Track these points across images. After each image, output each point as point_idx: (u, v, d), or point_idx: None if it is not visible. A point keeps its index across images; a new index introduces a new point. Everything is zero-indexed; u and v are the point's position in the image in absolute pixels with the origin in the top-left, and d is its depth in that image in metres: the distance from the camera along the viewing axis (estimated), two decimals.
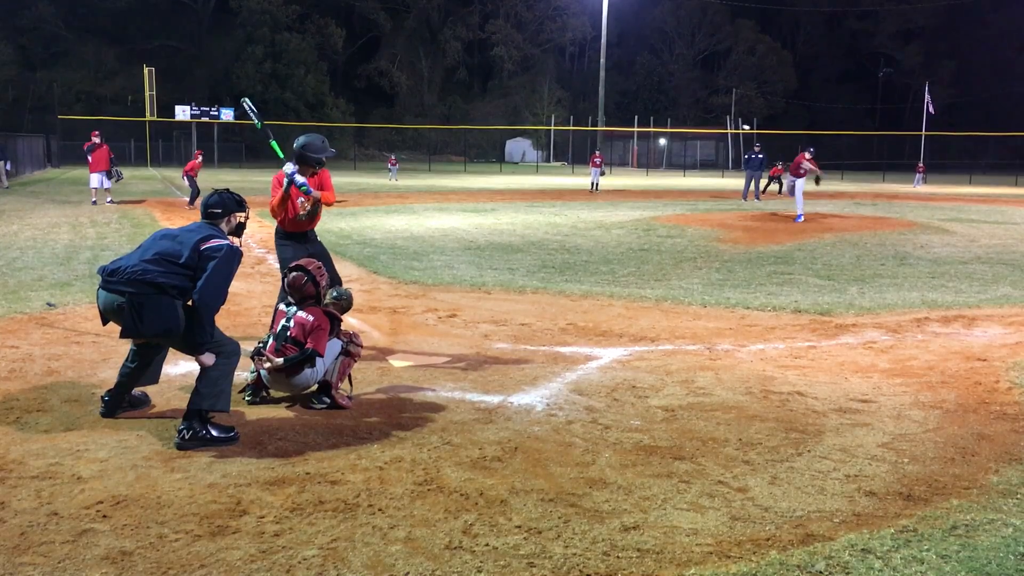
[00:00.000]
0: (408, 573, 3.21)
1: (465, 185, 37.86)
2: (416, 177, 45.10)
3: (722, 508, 3.86)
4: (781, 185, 31.58)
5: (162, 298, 4.57)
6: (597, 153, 37.58)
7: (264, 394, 5.53)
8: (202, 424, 4.61)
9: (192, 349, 4.71)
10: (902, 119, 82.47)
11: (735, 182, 39.85)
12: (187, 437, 4.56)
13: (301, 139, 6.55)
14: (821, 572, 3.22)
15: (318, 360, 5.30)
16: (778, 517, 3.77)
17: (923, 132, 62.60)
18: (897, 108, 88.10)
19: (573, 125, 74.08)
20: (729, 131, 78.37)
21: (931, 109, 60.90)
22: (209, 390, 4.66)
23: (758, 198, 28.99)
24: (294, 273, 5.50)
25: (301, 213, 6.41)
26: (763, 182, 29.89)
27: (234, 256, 4.74)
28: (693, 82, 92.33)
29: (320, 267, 5.59)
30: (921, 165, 51.03)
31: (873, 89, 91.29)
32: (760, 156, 30.06)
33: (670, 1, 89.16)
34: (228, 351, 4.79)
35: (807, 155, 21.09)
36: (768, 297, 9.66)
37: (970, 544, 3.47)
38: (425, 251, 13.59)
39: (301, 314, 5.37)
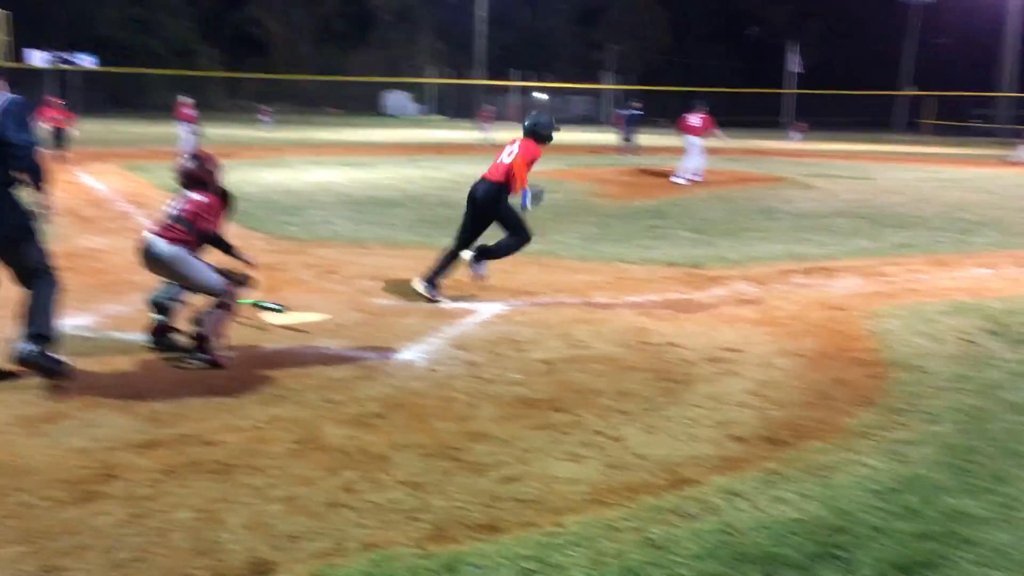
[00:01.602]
0: (288, 532, 3.18)
1: (343, 138, 37.08)
2: (292, 130, 43.86)
3: (599, 457, 3.97)
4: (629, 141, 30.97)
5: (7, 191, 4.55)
6: (485, 108, 37.09)
7: (167, 337, 5.40)
8: (42, 346, 4.58)
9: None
10: (772, 77, 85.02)
11: (613, 137, 40.40)
12: (27, 354, 4.53)
13: (533, 117, 7.51)
14: (693, 515, 3.36)
15: (205, 271, 5.14)
16: (652, 464, 3.90)
17: (793, 91, 64.90)
18: (767, 67, 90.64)
19: (453, 78, 73.36)
20: (606, 86, 79.25)
21: (799, 68, 63.08)
22: (42, 318, 4.63)
23: (635, 153, 29.51)
24: (182, 161, 5.45)
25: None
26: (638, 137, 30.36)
27: (13, 102, 4.58)
28: (572, 37, 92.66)
29: (212, 158, 5.50)
30: (797, 122, 53.08)
31: (744, 47, 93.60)
32: (638, 112, 30.56)
33: None
34: (56, 282, 4.77)
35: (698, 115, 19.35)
36: (643, 251, 9.89)
37: (829, 483, 3.68)
38: (302, 206, 13.29)
39: (195, 196, 5.21)
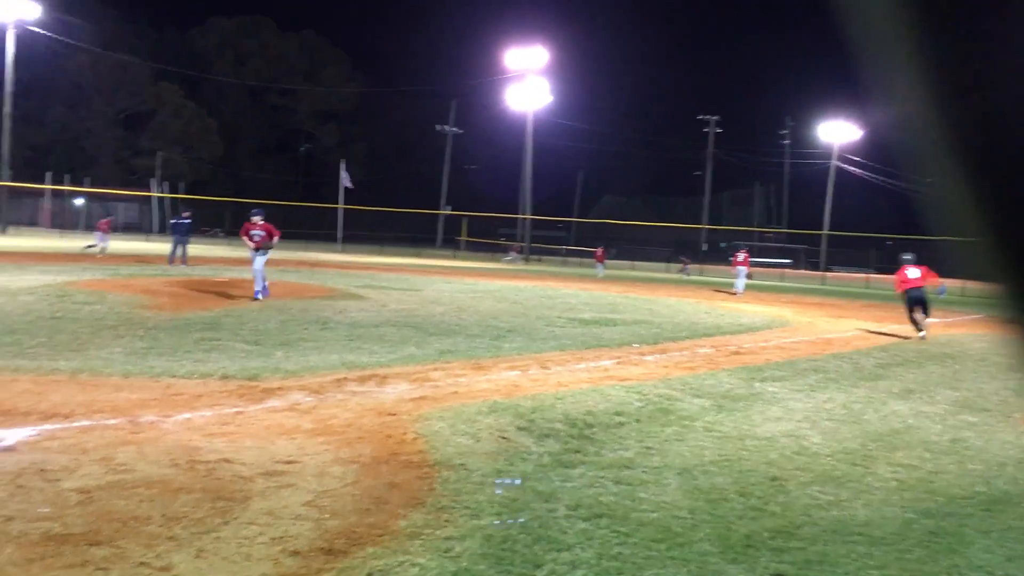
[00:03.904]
0: None
1: None
2: None
3: None
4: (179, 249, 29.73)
5: None
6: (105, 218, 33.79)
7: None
8: None
9: None
10: (322, 192, 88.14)
11: (161, 246, 38.68)
12: None
13: None
14: None
15: None
16: None
17: (341, 205, 67.70)
18: (318, 181, 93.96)
19: None
20: (154, 194, 76.16)
21: (348, 184, 66.27)
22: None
23: (185, 263, 28.50)
24: None
25: None
26: (189, 248, 29.45)
27: None
28: (115, 141, 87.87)
29: None
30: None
31: (296, 162, 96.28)
32: (188, 221, 29.77)
33: (86, 55, 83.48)
34: None
35: None
36: (195, 364, 9.48)
37: None
38: None
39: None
